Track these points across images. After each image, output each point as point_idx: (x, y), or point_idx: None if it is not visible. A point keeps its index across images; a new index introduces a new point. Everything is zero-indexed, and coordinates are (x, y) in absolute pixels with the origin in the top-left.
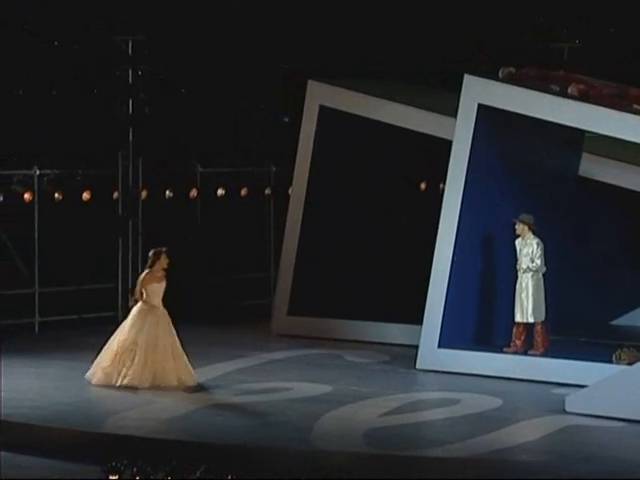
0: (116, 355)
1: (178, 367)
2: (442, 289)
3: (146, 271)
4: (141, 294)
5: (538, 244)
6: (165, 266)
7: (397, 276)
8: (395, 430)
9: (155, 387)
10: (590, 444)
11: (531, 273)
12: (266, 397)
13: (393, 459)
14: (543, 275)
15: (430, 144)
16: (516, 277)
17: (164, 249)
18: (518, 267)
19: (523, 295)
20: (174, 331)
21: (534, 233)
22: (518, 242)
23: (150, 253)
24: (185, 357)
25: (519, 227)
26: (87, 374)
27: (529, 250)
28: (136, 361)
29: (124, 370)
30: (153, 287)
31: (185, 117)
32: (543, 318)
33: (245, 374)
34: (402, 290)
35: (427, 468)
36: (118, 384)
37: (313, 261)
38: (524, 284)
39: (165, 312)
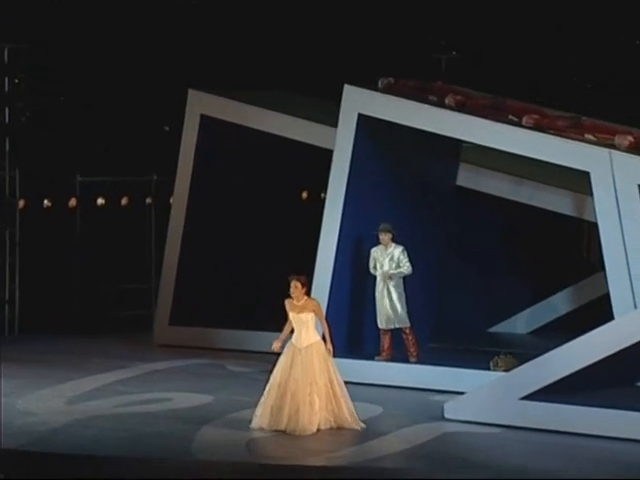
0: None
1: (319, 410)
2: (323, 298)
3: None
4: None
5: (403, 250)
6: (296, 294)
7: (278, 285)
8: (277, 439)
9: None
10: (469, 450)
11: (395, 279)
12: (146, 408)
13: (275, 468)
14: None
15: (311, 153)
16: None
17: (293, 276)
18: (379, 274)
19: (386, 302)
20: (325, 372)
21: (393, 240)
22: (376, 250)
23: None
24: (341, 400)
25: (385, 237)
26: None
27: (393, 257)
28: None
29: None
30: (292, 316)
31: (64, 125)
32: (409, 324)
33: (125, 385)
34: (283, 299)
35: (309, 477)
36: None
37: (195, 271)
38: (387, 291)
39: (308, 351)
